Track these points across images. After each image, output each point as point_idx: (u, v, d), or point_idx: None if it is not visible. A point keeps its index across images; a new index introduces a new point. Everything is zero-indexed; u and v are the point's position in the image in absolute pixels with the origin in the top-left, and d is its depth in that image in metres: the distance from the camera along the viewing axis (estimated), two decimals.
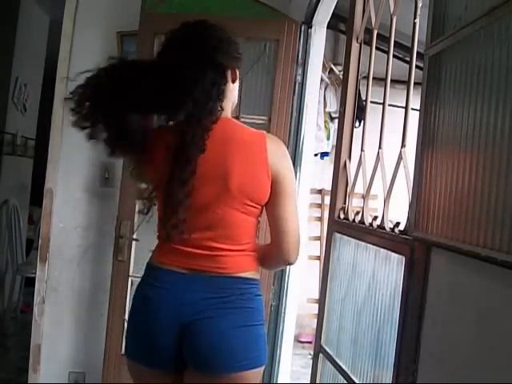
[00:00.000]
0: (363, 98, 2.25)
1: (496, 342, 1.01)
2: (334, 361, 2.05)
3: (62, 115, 2.98)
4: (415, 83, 1.67)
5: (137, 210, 2.67)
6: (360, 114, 2.26)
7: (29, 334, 3.01)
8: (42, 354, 2.98)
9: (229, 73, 1.60)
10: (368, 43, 2.17)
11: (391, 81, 1.96)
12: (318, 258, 4.92)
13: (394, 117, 2.09)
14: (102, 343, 2.77)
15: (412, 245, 1.42)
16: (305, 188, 2.86)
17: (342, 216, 2.17)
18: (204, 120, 1.50)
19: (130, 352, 1.61)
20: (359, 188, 2.08)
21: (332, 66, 4.64)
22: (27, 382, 2.99)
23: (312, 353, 2.41)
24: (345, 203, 2.19)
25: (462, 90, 1.20)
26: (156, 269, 1.59)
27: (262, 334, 1.58)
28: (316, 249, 5.00)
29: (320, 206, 5.11)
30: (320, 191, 5.06)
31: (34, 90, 5.27)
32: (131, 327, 1.62)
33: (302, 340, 4.76)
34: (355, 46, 2.20)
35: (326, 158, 4.77)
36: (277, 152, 1.56)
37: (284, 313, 2.80)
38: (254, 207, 1.56)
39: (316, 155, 4.52)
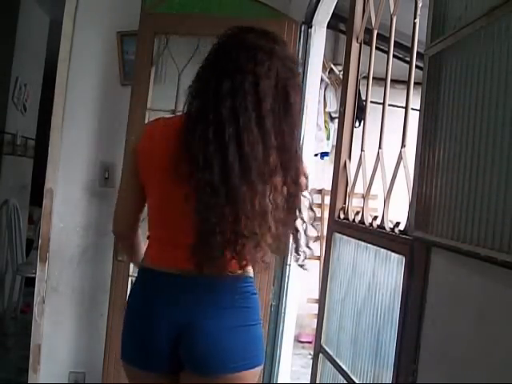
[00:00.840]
0: (363, 98, 2.25)
1: (496, 341, 1.01)
2: (334, 361, 2.05)
3: (62, 115, 2.99)
4: (415, 83, 1.67)
5: None
6: (360, 114, 2.26)
7: (29, 334, 3.01)
8: (42, 354, 2.98)
9: None
10: (368, 43, 2.17)
11: (391, 81, 1.96)
12: (318, 258, 4.92)
13: (394, 117, 2.09)
14: (102, 343, 2.77)
15: (412, 245, 1.42)
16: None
17: (342, 216, 2.17)
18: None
19: (127, 356, 1.59)
20: (359, 188, 2.08)
21: (332, 65, 4.64)
22: (27, 382, 2.99)
23: (312, 353, 2.41)
24: (345, 203, 2.19)
25: (462, 89, 1.20)
26: (150, 271, 1.58)
27: (259, 333, 1.57)
28: (316, 249, 5.00)
29: (320, 205, 5.11)
30: (320, 191, 5.06)
31: (34, 90, 5.27)
32: (127, 331, 1.60)
33: (302, 340, 4.76)
34: (355, 46, 2.20)
35: (326, 158, 4.77)
36: None
37: (284, 313, 2.80)
38: None
39: (316, 155, 4.52)
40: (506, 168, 1.00)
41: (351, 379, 1.86)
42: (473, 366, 1.09)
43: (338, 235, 2.19)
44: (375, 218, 1.83)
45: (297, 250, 1.57)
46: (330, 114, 4.72)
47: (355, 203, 2.13)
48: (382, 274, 1.71)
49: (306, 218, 1.54)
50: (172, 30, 2.78)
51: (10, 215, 4.68)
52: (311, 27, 2.77)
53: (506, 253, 0.96)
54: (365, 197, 1.97)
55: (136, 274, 1.70)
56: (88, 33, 3.01)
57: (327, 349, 2.16)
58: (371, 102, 2.13)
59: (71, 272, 3.02)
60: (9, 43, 4.61)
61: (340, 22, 3.85)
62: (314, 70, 2.82)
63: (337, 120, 4.07)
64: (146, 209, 1.63)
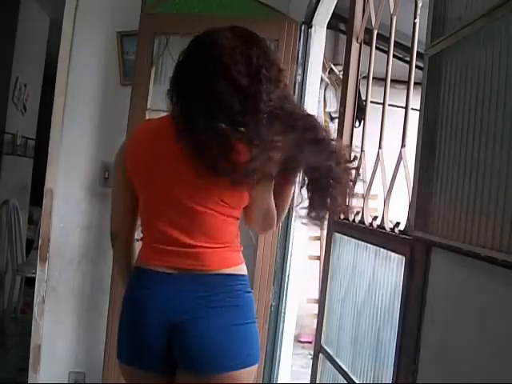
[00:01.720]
0: (363, 97, 2.25)
1: (496, 341, 1.02)
2: (334, 361, 2.05)
3: (61, 115, 2.99)
4: (415, 83, 1.67)
5: None
6: (360, 113, 2.26)
7: (29, 334, 3.02)
8: (42, 354, 2.98)
9: None
10: (368, 43, 2.17)
11: (391, 81, 1.96)
12: (318, 258, 4.92)
13: (394, 117, 2.09)
14: (102, 343, 2.77)
15: (412, 245, 1.42)
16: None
17: (341, 216, 2.17)
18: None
19: (122, 355, 1.60)
20: (359, 188, 2.08)
21: (332, 66, 4.64)
22: (27, 382, 2.99)
23: (312, 353, 2.41)
24: None
25: (462, 89, 1.20)
26: (142, 270, 1.58)
27: (252, 332, 1.56)
28: (316, 249, 5.00)
29: None
30: None
31: (34, 90, 5.27)
32: (121, 330, 1.60)
33: (302, 340, 4.76)
34: (355, 46, 2.20)
35: None
36: None
37: (284, 313, 2.80)
38: (230, 208, 1.53)
39: None
40: (506, 168, 1.00)
41: (351, 379, 1.86)
42: (473, 365, 1.09)
43: (338, 235, 2.19)
44: (375, 218, 1.83)
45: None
46: (329, 114, 4.72)
47: (355, 203, 2.13)
48: (382, 274, 1.71)
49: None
50: (172, 30, 2.78)
51: (10, 215, 4.68)
52: (311, 27, 2.77)
53: (505, 253, 0.96)
54: (365, 197, 1.97)
55: None
56: (88, 33, 3.01)
57: (327, 349, 2.16)
58: (371, 102, 2.13)
59: (71, 272, 3.02)
60: (9, 43, 4.61)
61: (340, 22, 3.85)
62: (313, 70, 2.82)
63: (337, 120, 4.07)
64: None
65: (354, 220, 2.03)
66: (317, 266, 4.89)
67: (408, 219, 1.49)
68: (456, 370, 1.16)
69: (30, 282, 3.91)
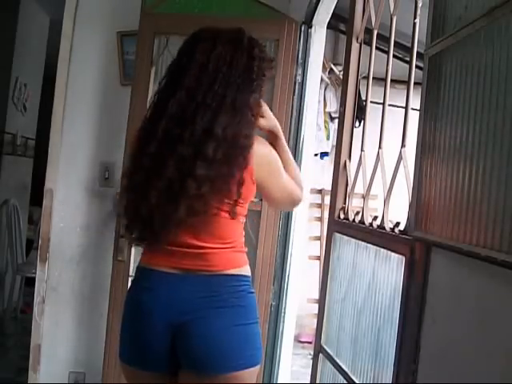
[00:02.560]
0: (363, 98, 2.25)
1: (496, 341, 1.01)
2: (334, 361, 2.05)
3: (61, 115, 2.99)
4: (415, 83, 1.67)
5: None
6: (360, 113, 2.26)
7: (29, 334, 3.02)
8: (42, 354, 2.98)
9: None
10: (368, 43, 2.17)
11: (391, 81, 1.96)
12: (318, 258, 4.93)
13: (394, 117, 2.09)
14: (102, 343, 2.77)
15: (412, 245, 1.42)
16: (305, 188, 2.86)
17: (342, 216, 2.17)
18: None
19: (125, 356, 1.60)
20: (359, 188, 2.08)
21: (332, 66, 4.64)
22: (27, 381, 2.99)
23: (312, 353, 2.41)
24: (345, 203, 2.19)
25: (462, 89, 1.20)
26: (145, 271, 1.58)
27: (255, 332, 1.57)
28: (316, 249, 5.01)
29: (320, 206, 5.11)
30: (320, 191, 5.06)
31: (34, 90, 5.27)
32: (124, 331, 1.60)
33: (302, 340, 4.76)
34: (355, 46, 2.20)
35: (326, 157, 4.78)
36: (262, 155, 1.57)
37: (284, 313, 2.80)
38: (235, 206, 1.53)
39: (316, 155, 4.52)
40: (506, 168, 1.00)
41: (351, 379, 1.86)
42: (473, 365, 1.09)
43: (338, 235, 2.19)
44: (375, 218, 1.83)
45: None
46: (329, 114, 4.73)
47: (355, 203, 2.13)
48: (382, 274, 1.71)
49: None
50: (172, 30, 2.78)
51: (10, 215, 4.68)
52: (311, 27, 2.77)
53: (505, 253, 0.96)
54: (365, 197, 1.97)
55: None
56: (88, 33, 3.01)
57: (327, 349, 2.16)
58: (371, 102, 2.13)
59: (71, 272, 3.02)
60: (9, 43, 4.61)
61: (340, 22, 3.85)
62: (313, 69, 2.82)
63: (337, 120, 4.08)
64: None
65: (354, 220, 2.03)
66: (317, 266, 4.89)
67: (408, 219, 1.49)
68: (456, 370, 1.15)
69: (30, 282, 3.92)
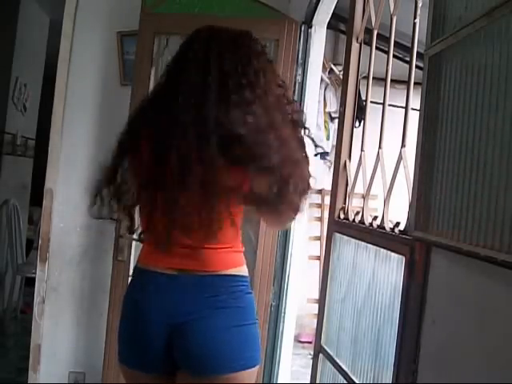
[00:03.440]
0: (363, 98, 2.25)
1: (496, 342, 1.01)
2: (334, 361, 2.05)
3: (62, 115, 2.99)
4: (415, 83, 1.67)
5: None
6: (360, 113, 2.26)
7: (29, 334, 3.02)
8: (42, 354, 2.98)
9: None
10: (368, 43, 2.17)
11: (391, 81, 1.96)
12: (318, 258, 4.93)
13: (394, 117, 2.09)
14: (102, 343, 2.77)
15: (412, 245, 1.42)
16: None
17: (342, 216, 2.17)
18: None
19: (123, 357, 1.59)
20: (359, 188, 2.08)
21: (332, 65, 4.64)
22: (27, 382, 2.99)
23: (312, 353, 2.41)
24: (345, 203, 2.19)
25: (462, 89, 1.20)
26: (143, 271, 1.57)
27: (254, 333, 1.56)
28: (316, 249, 5.01)
29: (320, 206, 5.11)
30: (320, 191, 5.06)
31: (34, 90, 5.27)
32: (122, 332, 1.59)
33: (302, 340, 4.76)
34: (355, 46, 2.20)
35: (326, 158, 4.77)
36: None
37: (284, 313, 2.80)
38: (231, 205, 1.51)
39: (316, 155, 4.52)
40: (506, 168, 1.00)
41: (351, 379, 1.86)
42: (473, 365, 1.09)
43: (338, 235, 2.19)
44: (375, 218, 1.83)
45: None
46: (329, 114, 4.73)
47: (355, 203, 2.13)
48: (382, 274, 1.71)
49: None
50: (172, 29, 2.78)
51: (10, 215, 4.68)
52: (311, 27, 2.77)
53: (505, 253, 0.96)
54: (365, 197, 1.97)
55: None
56: (88, 33, 3.01)
57: (327, 349, 2.16)
58: (371, 102, 2.13)
59: (71, 272, 3.02)
60: (9, 43, 4.61)
61: (340, 22, 3.85)
62: (313, 69, 2.82)
63: (337, 120, 4.07)
64: None
65: (353, 220, 2.03)
66: (317, 266, 4.89)
67: (408, 219, 1.49)
68: (456, 369, 1.15)
69: (30, 282, 3.91)
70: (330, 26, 2.94)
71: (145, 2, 2.80)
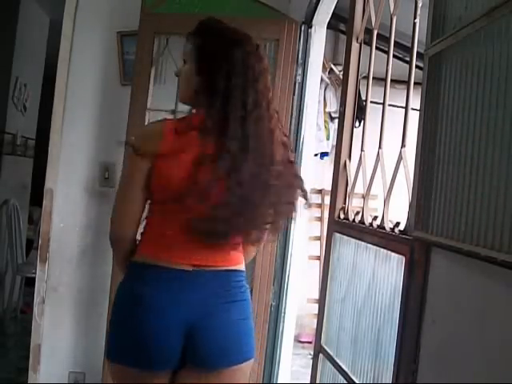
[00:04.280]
0: (363, 98, 2.25)
1: (496, 341, 1.01)
2: (334, 361, 2.05)
3: (62, 115, 2.99)
4: (415, 83, 1.67)
5: None
6: (360, 113, 2.26)
7: (29, 334, 3.01)
8: (42, 354, 2.98)
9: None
10: (368, 43, 2.17)
11: (391, 81, 1.96)
12: (318, 258, 4.92)
13: (394, 117, 2.09)
14: (102, 343, 2.76)
15: (412, 245, 1.42)
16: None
17: (342, 216, 2.17)
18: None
19: (122, 356, 1.54)
20: (359, 188, 2.08)
21: (332, 66, 4.64)
22: (27, 382, 2.99)
23: (312, 353, 2.41)
24: (345, 203, 2.19)
25: (462, 89, 1.20)
26: (152, 268, 1.54)
27: (252, 326, 1.63)
28: (316, 249, 5.00)
29: (320, 206, 5.11)
30: (320, 191, 5.06)
31: (34, 90, 5.26)
32: (126, 331, 1.54)
33: (302, 340, 4.75)
34: (355, 46, 2.20)
35: (325, 157, 4.77)
36: None
37: (284, 313, 2.80)
38: None
39: (316, 155, 4.52)
40: (506, 168, 1.00)
41: (351, 379, 1.86)
42: (473, 365, 1.09)
43: (338, 235, 2.19)
44: (375, 218, 1.83)
45: None
46: (330, 114, 4.72)
47: (355, 203, 2.13)
48: (382, 274, 1.71)
49: None
50: (172, 29, 2.78)
51: (10, 215, 4.67)
52: (311, 27, 2.77)
53: (505, 253, 0.96)
54: (365, 197, 1.97)
55: None
56: (88, 33, 3.01)
57: (327, 349, 2.16)
58: (371, 102, 2.13)
59: (71, 272, 3.02)
60: (9, 43, 4.60)
61: (340, 22, 3.85)
62: (313, 69, 2.82)
63: (337, 120, 4.07)
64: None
65: (354, 220, 2.03)
66: (317, 266, 4.89)
67: (408, 219, 1.49)
68: (456, 370, 1.15)
69: (30, 282, 3.91)
70: (330, 26, 2.94)
71: (145, 2, 2.80)
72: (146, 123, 2.70)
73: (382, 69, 1.94)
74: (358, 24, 2.19)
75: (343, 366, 1.96)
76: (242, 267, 1.62)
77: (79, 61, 3.00)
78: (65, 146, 2.99)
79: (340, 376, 1.97)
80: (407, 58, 2.52)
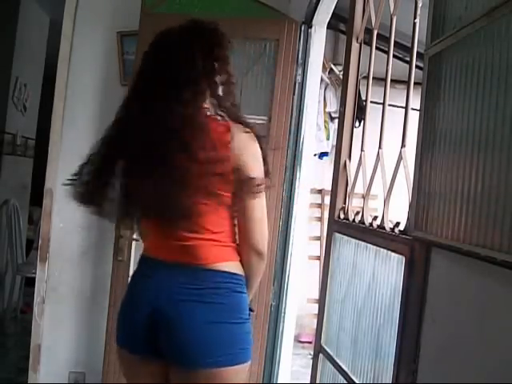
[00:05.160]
0: (363, 98, 2.25)
1: (496, 341, 1.02)
2: (334, 361, 2.05)
3: (61, 115, 2.99)
4: (415, 83, 1.67)
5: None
6: (360, 113, 2.26)
7: (29, 334, 3.02)
8: (42, 354, 2.98)
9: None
10: (368, 43, 2.17)
11: (391, 81, 1.96)
12: (318, 258, 4.93)
13: (394, 117, 2.09)
14: (102, 343, 2.77)
15: (412, 245, 1.42)
16: (305, 188, 2.87)
17: (342, 216, 2.17)
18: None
19: (117, 338, 1.66)
20: (359, 188, 2.08)
21: (332, 66, 4.64)
22: (27, 382, 2.99)
23: (312, 353, 2.41)
24: (345, 203, 2.19)
25: (462, 89, 1.20)
26: (143, 258, 1.68)
27: (236, 332, 1.56)
28: (316, 249, 5.00)
29: (320, 206, 5.11)
30: (320, 191, 5.06)
31: (34, 90, 5.26)
32: (120, 314, 1.68)
33: (302, 340, 4.76)
34: (355, 46, 2.20)
35: (325, 157, 4.77)
36: (241, 141, 1.56)
37: (284, 313, 2.80)
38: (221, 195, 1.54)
39: (315, 155, 4.52)
40: (505, 168, 1.00)
41: (351, 379, 1.86)
42: (473, 365, 1.09)
43: (338, 235, 2.19)
44: (375, 218, 1.83)
45: None
46: (330, 113, 4.73)
47: (355, 203, 2.13)
48: (382, 274, 1.71)
49: None
50: None
51: (10, 215, 4.67)
52: (311, 27, 2.77)
53: (505, 253, 0.96)
54: (365, 197, 1.97)
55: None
56: (88, 33, 3.01)
57: (327, 349, 2.16)
58: (371, 102, 2.13)
59: (71, 272, 3.02)
60: (9, 43, 4.61)
61: (340, 22, 3.85)
62: (313, 69, 2.82)
63: (337, 120, 4.08)
64: None
65: (354, 220, 2.03)
66: (317, 266, 4.89)
67: (408, 219, 1.49)
68: (456, 369, 1.15)
69: (30, 282, 3.91)
70: (330, 26, 2.94)
71: (145, 2, 2.80)
72: None
73: (382, 69, 1.94)
74: (358, 24, 2.19)
75: (343, 366, 1.96)
76: (226, 267, 1.56)
77: (79, 61, 3.00)
78: (65, 145, 2.99)
79: (340, 376, 1.97)
80: (407, 58, 2.52)
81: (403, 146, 1.70)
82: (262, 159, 1.61)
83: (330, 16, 2.75)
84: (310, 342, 4.34)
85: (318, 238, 5.03)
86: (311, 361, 2.35)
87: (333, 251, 2.21)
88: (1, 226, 4.67)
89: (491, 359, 1.03)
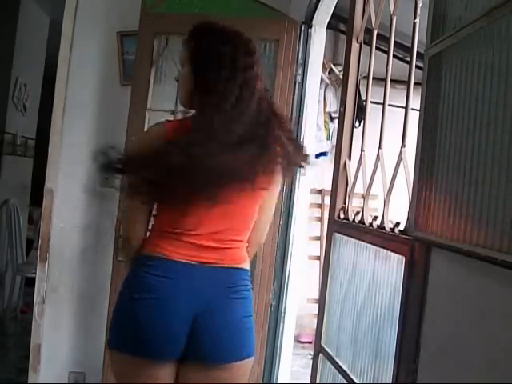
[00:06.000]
0: (363, 98, 2.25)
1: (496, 341, 1.01)
2: (334, 361, 2.05)
3: (62, 115, 2.99)
4: (415, 83, 1.67)
5: None
6: (360, 113, 2.26)
7: (29, 334, 3.01)
8: (42, 354, 2.98)
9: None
10: (368, 43, 2.17)
11: (391, 81, 1.96)
12: (318, 258, 4.92)
13: (394, 117, 2.09)
14: (102, 343, 2.76)
15: (412, 245, 1.42)
16: (305, 188, 2.87)
17: (342, 216, 2.17)
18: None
19: (126, 345, 1.56)
20: (359, 188, 2.08)
21: (332, 66, 4.64)
22: (27, 382, 2.99)
23: (312, 353, 2.41)
24: (345, 203, 2.19)
25: (462, 89, 1.20)
26: (161, 260, 1.57)
27: (254, 325, 1.67)
28: (316, 249, 5.00)
29: (320, 206, 5.11)
30: (320, 191, 5.06)
31: (34, 90, 5.26)
32: (133, 320, 1.56)
33: (302, 340, 4.75)
34: (355, 46, 2.20)
35: (323, 157, 4.76)
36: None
37: (284, 313, 2.80)
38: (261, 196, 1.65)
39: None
40: (505, 168, 1.00)
41: (351, 379, 1.86)
42: (473, 366, 1.09)
43: (338, 235, 2.19)
44: (375, 218, 1.83)
45: None
46: (330, 114, 4.72)
47: (355, 203, 2.13)
48: (382, 274, 1.71)
49: None
50: (172, 29, 2.78)
51: (10, 215, 4.67)
52: (311, 27, 2.77)
53: (505, 253, 0.96)
54: (365, 197, 1.97)
55: None
56: (88, 33, 3.01)
57: (327, 349, 2.16)
58: (371, 102, 2.13)
59: (71, 272, 3.02)
60: (9, 43, 4.60)
61: (340, 22, 3.85)
62: (313, 69, 2.82)
63: (337, 120, 4.07)
64: None
65: (354, 220, 2.03)
66: (317, 266, 4.89)
67: (408, 219, 1.49)
68: (456, 369, 1.15)
69: (30, 282, 3.91)
70: (330, 26, 2.94)
71: (145, 2, 2.80)
72: (147, 123, 2.71)
73: (382, 69, 1.94)
74: (358, 24, 2.19)
75: (343, 366, 1.96)
76: (246, 266, 1.67)
77: (79, 61, 3.00)
78: (65, 145, 3.00)
79: (340, 376, 1.97)
80: (407, 58, 2.52)
81: (403, 146, 1.70)
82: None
83: (329, 16, 2.75)
84: (310, 342, 4.34)
85: (318, 238, 5.03)
86: (311, 361, 2.35)
87: (333, 251, 2.21)
88: (1, 226, 4.67)
89: (491, 359, 1.03)
